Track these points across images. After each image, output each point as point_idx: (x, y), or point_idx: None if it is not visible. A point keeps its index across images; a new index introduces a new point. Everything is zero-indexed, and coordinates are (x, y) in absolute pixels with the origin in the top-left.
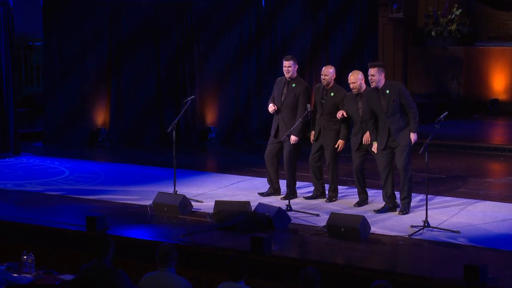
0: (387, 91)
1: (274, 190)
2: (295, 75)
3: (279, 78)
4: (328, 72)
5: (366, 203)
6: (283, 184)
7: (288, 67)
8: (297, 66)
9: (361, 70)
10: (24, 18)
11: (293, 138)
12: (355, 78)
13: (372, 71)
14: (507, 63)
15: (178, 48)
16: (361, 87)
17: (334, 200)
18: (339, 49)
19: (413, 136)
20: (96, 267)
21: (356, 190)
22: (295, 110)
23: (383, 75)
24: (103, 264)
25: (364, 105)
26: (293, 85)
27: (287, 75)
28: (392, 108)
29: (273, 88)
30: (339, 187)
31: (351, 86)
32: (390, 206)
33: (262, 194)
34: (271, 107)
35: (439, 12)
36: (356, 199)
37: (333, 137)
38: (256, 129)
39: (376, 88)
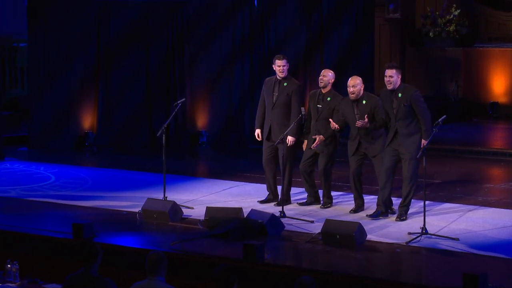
0: (399, 95)
1: (273, 197)
2: (286, 74)
3: (267, 79)
4: (327, 74)
5: (362, 209)
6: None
7: (283, 66)
8: (288, 65)
9: (357, 72)
10: (8, 18)
11: (290, 139)
12: (356, 83)
13: (390, 72)
14: (507, 65)
15: (168, 49)
16: (360, 92)
17: (329, 207)
18: (334, 50)
19: (423, 142)
20: (83, 275)
21: (351, 196)
22: (288, 110)
23: (400, 77)
24: (90, 273)
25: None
26: (285, 84)
27: (281, 75)
28: (402, 113)
29: (262, 90)
30: (334, 192)
31: (350, 90)
32: (382, 211)
33: (262, 202)
34: (257, 135)
35: (437, 13)
36: (351, 205)
37: (328, 143)
38: (249, 133)
39: (391, 90)
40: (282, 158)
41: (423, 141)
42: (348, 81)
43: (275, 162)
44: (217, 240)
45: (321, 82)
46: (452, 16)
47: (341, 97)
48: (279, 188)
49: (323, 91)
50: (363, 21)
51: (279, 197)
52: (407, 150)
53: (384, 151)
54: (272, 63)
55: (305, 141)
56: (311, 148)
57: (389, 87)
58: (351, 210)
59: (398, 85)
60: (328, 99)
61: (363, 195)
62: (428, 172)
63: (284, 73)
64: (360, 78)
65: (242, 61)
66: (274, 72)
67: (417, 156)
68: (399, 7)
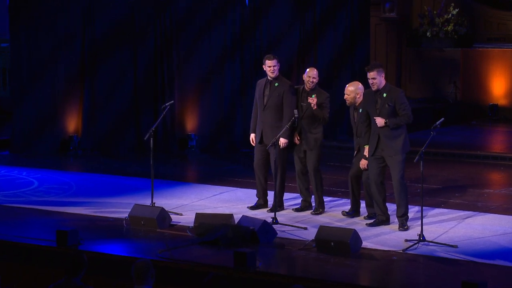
0: (384, 94)
1: (263, 202)
2: (277, 74)
3: (259, 80)
4: (315, 74)
5: (358, 215)
6: (272, 195)
7: (274, 66)
8: (279, 65)
9: (351, 73)
10: None
11: (282, 141)
12: (350, 91)
13: (371, 74)
14: (507, 66)
15: (156, 49)
16: (354, 100)
17: (321, 212)
18: (329, 51)
19: (378, 119)
20: (66, 285)
21: (346, 201)
22: (280, 111)
23: (383, 75)
24: (73, 282)
25: (361, 106)
26: (276, 84)
27: (272, 75)
28: (385, 114)
29: (255, 92)
30: (328, 198)
31: (344, 97)
32: (383, 219)
33: (252, 208)
34: (252, 140)
35: (434, 12)
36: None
37: (316, 140)
38: (240, 137)
39: (376, 90)
40: (274, 163)
41: (379, 118)
42: (346, 86)
43: (267, 166)
44: (206, 248)
45: (311, 83)
46: (450, 15)
47: (326, 93)
48: (270, 193)
49: (308, 89)
50: (358, 20)
51: (269, 203)
52: (392, 154)
53: (369, 163)
54: (262, 63)
55: (296, 133)
56: (300, 145)
57: (374, 88)
58: (365, 217)
59: (382, 85)
60: (313, 96)
61: (360, 200)
62: (425, 176)
63: (275, 73)
64: (360, 86)
65: (233, 62)
66: (265, 74)
67: (414, 161)
68: (395, 6)
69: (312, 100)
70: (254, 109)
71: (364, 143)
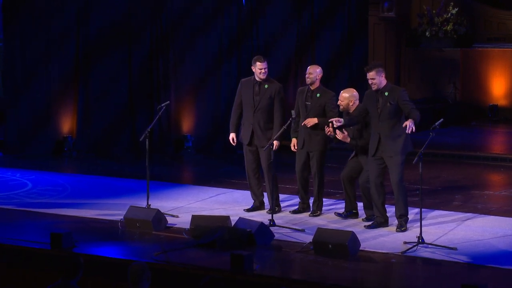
0: (386, 93)
1: (260, 204)
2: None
3: (244, 80)
4: (314, 71)
5: (356, 217)
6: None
7: (265, 68)
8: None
9: (349, 73)
10: None
11: (275, 143)
12: (344, 97)
13: (371, 74)
14: (508, 66)
15: (152, 49)
16: (348, 107)
17: (319, 214)
18: (326, 50)
19: (409, 121)
20: (63, 287)
21: (343, 203)
22: (271, 112)
23: (383, 75)
24: (69, 285)
25: (361, 107)
26: (266, 86)
27: (263, 77)
28: (386, 113)
29: (238, 92)
30: (327, 200)
31: (338, 102)
32: (381, 221)
33: (248, 210)
34: (232, 139)
35: (433, 11)
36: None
37: (320, 141)
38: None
39: (376, 90)
40: (269, 165)
41: (409, 120)
42: (341, 92)
43: (258, 168)
44: (203, 250)
45: (308, 79)
46: (449, 15)
47: (331, 93)
48: (266, 195)
49: (312, 87)
50: (356, 20)
51: (265, 204)
52: (392, 155)
53: (369, 164)
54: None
55: (294, 139)
56: (302, 149)
57: (374, 88)
58: (364, 219)
59: (383, 84)
60: (318, 95)
61: (357, 202)
62: (424, 178)
63: (266, 75)
64: (355, 93)
65: (230, 62)
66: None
67: (413, 162)
68: (394, 6)
69: (307, 122)
70: (236, 109)
71: (360, 145)
